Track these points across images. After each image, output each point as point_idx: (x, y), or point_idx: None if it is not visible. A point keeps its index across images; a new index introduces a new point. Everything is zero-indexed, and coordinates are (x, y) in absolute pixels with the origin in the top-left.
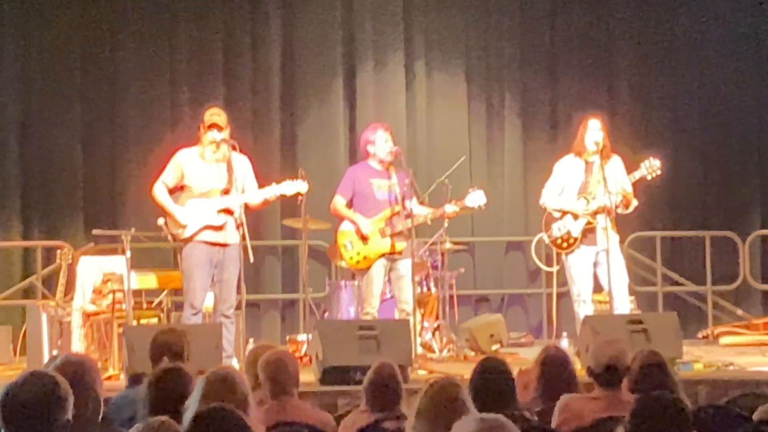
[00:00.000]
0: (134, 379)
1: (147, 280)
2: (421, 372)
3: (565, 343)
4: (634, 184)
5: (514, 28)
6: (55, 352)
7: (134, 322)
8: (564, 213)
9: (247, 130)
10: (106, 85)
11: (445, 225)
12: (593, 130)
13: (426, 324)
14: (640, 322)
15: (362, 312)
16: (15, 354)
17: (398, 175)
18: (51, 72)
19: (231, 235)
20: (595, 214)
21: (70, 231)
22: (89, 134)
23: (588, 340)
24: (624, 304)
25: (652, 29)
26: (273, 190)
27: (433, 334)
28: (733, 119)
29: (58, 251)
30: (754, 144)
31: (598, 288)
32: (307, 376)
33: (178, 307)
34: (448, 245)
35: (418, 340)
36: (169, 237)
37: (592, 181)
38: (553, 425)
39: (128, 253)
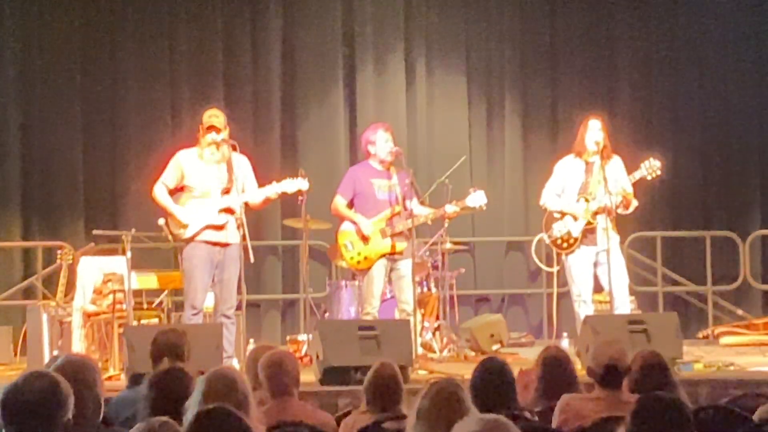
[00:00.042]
0: (135, 380)
1: (147, 281)
2: (422, 372)
3: (565, 343)
4: (634, 185)
5: (515, 28)
6: (55, 353)
7: (135, 323)
8: (564, 214)
9: (248, 131)
10: (106, 86)
11: (446, 225)
12: (594, 131)
13: (426, 324)
14: (641, 322)
15: (363, 312)
16: (15, 354)
17: (399, 176)
18: (51, 73)
19: (232, 235)
20: (595, 214)
21: (70, 231)
22: (90, 135)
23: (588, 340)
24: (624, 305)
25: (653, 29)
26: (274, 188)
27: (434, 334)
28: (734, 119)
29: (59, 251)
30: (755, 144)
31: (598, 288)
32: (308, 377)
33: (179, 307)
34: (448, 245)
35: (419, 340)
36: (170, 237)
37: (592, 181)
38: (553, 425)
39: (129, 254)
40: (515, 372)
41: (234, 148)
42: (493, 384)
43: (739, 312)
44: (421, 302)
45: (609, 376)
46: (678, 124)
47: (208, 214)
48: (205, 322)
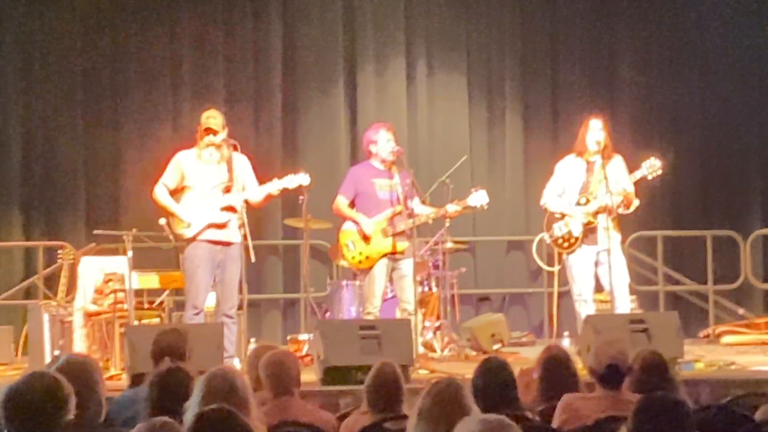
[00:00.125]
0: (136, 379)
1: (148, 280)
2: (423, 372)
3: (566, 343)
4: (635, 184)
5: (515, 27)
6: (56, 352)
7: (136, 322)
8: (564, 214)
9: (249, 131)
10: (107, 86)
11: (447, 225)
12: (595, 130)
13: (427, 323)
14: (642, 322)
15: (364, 312)
16: (17, 354)
17: (400, 175)
18: (52, 72)
19: (233, 234)
20: (596, 213)
21: (71, 231)
22: (91, 134)
23: (589, 339)
24: (625, 304)
25: (653, 29)
26: (275, 185)
27: (435, 333)
28: (735, 118)
29: (60, 251)
30: (756, 143)
31: (598, 288)
32: (309, 376)
33: (180, 306)
34: (449, 245)
35: (420, 339)
36: (171, 237)
37: (593, 180)
38: (554, 425)
39: (130, 253)
40: (516, 371)
41: (235, 148)
42: (494, 384)
43: (740, 311)
44: (422, 302)
45: (610, 375)
46: (679, 123)
47: (210, 212)
48: (207, 321)
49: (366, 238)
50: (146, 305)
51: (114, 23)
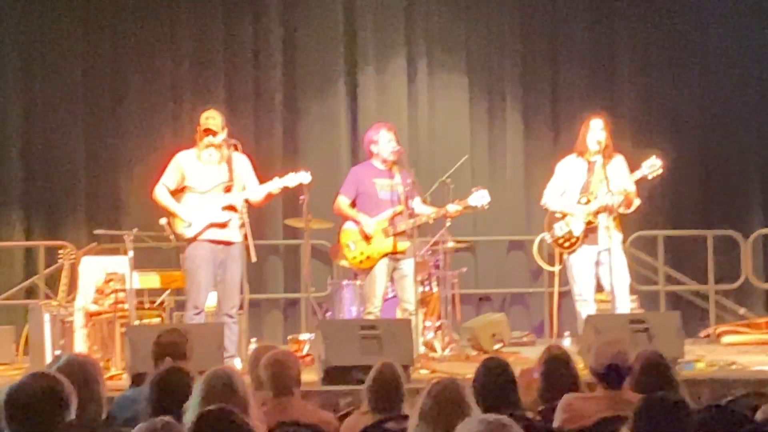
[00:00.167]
0: (137, 379)
1: (149, 280)
2: (423, 371)
3: (567, 343)
4: (636, 183)
5: (516, 27)
6: (57, 352)
7: (137, 322)
8: (565, 214)
9: (249, 130)
10: (108, 85)
11: (447, 224)
12: (596, 130)
13: (428, 323)
14: (642, 322)
15: (365, 312)
16: (18, 354)
17: (401, 175)
18: (53, 72)
19: (234, 233)
20: (597, 213)
21: (72, 231)
22: (91, 134)
23: (590, 339)
24: (625, 304)
25: (655, 28)
26: (276, 183)
27: (435, 333)
28: (735, 118)
29: (61, 251)
30: (756, 142)
31: (599, 287)
32: (310, 376)
33: (180, 306)
34: (450, 245)
35: (420, 339)
36: (172, 237)
37: (594, 180)
38: (555, 425)
39: (131, 253)
40: (517, 371)
41: (236, 148)
42: (495, 383)
43: (741, 311)
44: (422, 301)
45: (611, 375)
46: (679, 123)
47: (211, 212)
48: (208, 321)
49: (367, 238)
50: (147, 305)
51: (114, 23)
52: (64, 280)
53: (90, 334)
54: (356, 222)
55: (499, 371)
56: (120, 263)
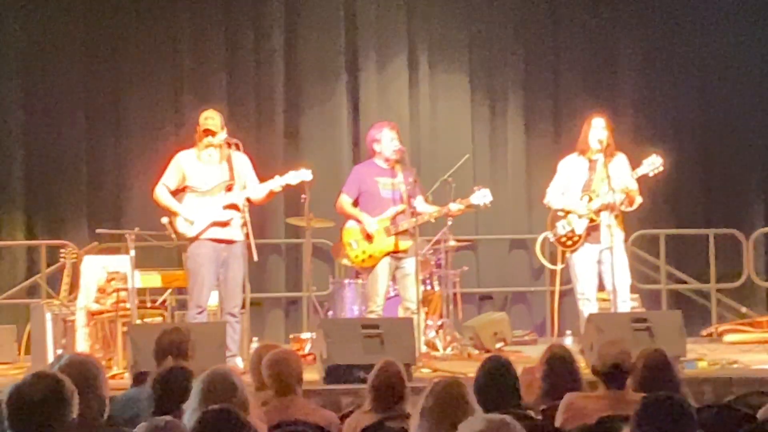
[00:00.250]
0: (138, 378)
1: (151, 279)
2: (425, 370)
3: (569, 341)
4: (638, 181)
5: (517, 26)
6: (59, 351)
7: (138, 321)
8: (567, 212)
9: (251, 129)
10: (109, 84)
11: (449, 223)
12: (597, 129)
13: (430, 322)
14: (644, 321)
15: (367, 310)
16: (19, 353)
17: (404, 174)
18: (54, 72)
19: (236, 232)
20: (598, 211)
21: (74, 230)
22: (93, 133)
23: (592, 338)
24: (624, 304)
25: (656, 27)
26: (277, 181)
27: (437, 332)
28: (737, 117)
29: (62, 250)
30: (758, 141)
31: (600, 286)
32: (311, 375)
33: (182, 305)
34: (451, 243)
35: (422, 338)
36: (173, 236)
37: (595, 179)
38: (557, 424)
39: (132, 252)
40: (519, 370)
41: (237, 147)
42: (496, 382)
43: (743, 310)
44: (424, 300)
45: (613, 375)
46: (681, 121)
47: (213, 211)
48: (210, 320)
49: (369, 237)
50: (149, 304)
51: (116, 22)
52: (65, 279)
53: (92, 334)
54: (358, 221)
55: (500, 370)
56: (122, 262)
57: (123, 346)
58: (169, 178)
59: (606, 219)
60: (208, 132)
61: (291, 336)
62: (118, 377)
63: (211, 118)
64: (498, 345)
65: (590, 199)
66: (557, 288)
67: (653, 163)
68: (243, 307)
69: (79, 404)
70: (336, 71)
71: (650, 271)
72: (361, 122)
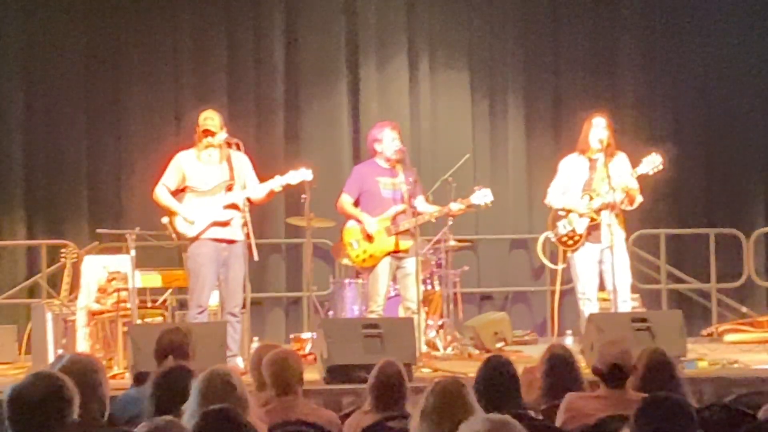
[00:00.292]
0: (139, 378)
1: (151, 279)
2: (426, 370)
3: (569, 341)
4: (638, 180)
5: (518, 26)
6: (60, 351)
7: (139, 321)
8: (568, 211)
9: (251, 128)
10: (110, 84)
11: (449, 223)
12: (598, 128)
13: (430, 322)
14: (645, 320)
15: (367, 310)
16: (20, 353)
17: (404, 174)
18: (55, 71)
19: (237, 232)
20: (599, 210)
21: (74, 230)
22: (93, 133)
23: (593, 338)
24: (624, 304)
25: (657, 26)
26: (278, 181)
27: (438, 332)
28: (738, 116)
29: (63, 250)
30: (759, 141)
31: (601, 286)
32: (312, 375)
33: (182, 305)
34: (452, 243)
35: (423, 338)
36: (174, 236)
37: (596, 178)
38: (557, 423)
39: (133, 252)
40: (519, 370)
41: (238, 147)
42: (497, 382)
43: (744, 309)
44: (425, 300)
45: (614, 375)
46: (681, 120)
47: (213, 210)
48: (211, 320)
49: (369, 237)
50: (149, 304)
51: (116, 22)
52: (66, 279)
53: (92, 333)
54: (359, 221)
55: (501, 370)
56: (122, 262)
57: (123, 346)
58: (169, 178)
59: (607, 218)
60: (208, 132)
61: (291, 336)
62: (118, 377)
63: (211, 119)
64: (498, 345)
65: (591, 198)
66: (558, 288)
67: (653, 162)
68: (243, 306)
69: (80, 404)
70: (336, 71)
71: (651, 270)
72: (361, 122)
